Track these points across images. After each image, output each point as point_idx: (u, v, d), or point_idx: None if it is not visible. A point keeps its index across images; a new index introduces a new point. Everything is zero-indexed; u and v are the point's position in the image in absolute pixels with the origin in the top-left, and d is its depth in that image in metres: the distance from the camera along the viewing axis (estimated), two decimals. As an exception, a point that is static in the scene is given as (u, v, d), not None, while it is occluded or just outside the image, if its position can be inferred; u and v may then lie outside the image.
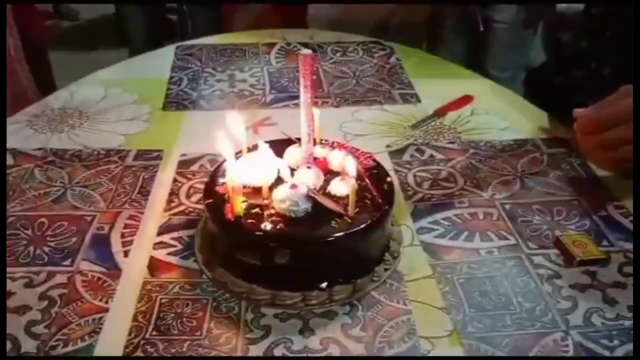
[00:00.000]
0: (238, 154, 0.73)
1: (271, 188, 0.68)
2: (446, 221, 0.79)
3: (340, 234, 0.64)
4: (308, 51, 0.67)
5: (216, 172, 0.74)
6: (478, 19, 1.50)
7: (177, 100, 1.06)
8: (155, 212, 0.80)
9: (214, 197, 0.70)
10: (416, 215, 0.80)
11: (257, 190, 0.69)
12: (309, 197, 0.66)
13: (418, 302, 0.68)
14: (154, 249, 0.74)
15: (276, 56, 1.22)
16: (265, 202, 0.68)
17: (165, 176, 0.87)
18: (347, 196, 0.68)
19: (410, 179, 0.87)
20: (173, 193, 0.84)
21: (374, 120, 1.02)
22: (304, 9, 1.56)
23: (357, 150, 0.77)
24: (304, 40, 1.29)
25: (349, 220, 0.66)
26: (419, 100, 1.08)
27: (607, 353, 0.61)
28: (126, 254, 0.73)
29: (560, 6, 1.63)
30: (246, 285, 0.67)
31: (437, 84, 1.13)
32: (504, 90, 1.12)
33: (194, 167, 0.89)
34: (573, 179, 0.87)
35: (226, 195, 0.69)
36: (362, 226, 0.66)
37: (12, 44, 1.25)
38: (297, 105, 1.04)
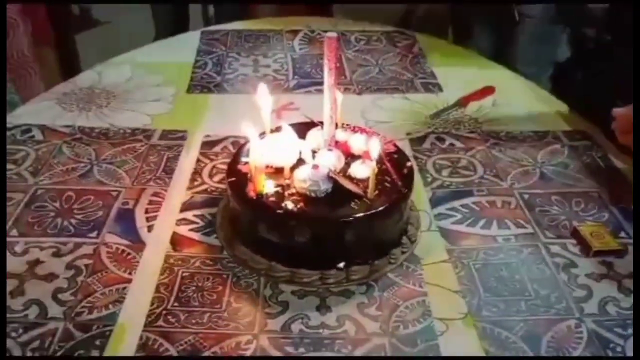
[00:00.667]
0: (262, 135, 0.75)
1: (293, 169, 0.70)
2: (464, 208, 0.80)
3: (360, 214, 0.66)
4: (333, 34, 0.68)
5: (239, 152, 0.75)
6: (514, 11, 1.50)
7: (201, 84, 1.08)
8: (178, 190, 0.82)
9: (237, 175, 0.71)
10: (434, 201, 0.81)
11: (279, 171, 0.71)
12: (329, 178, 0.68)
13: (434, 284, 0.69)
14: (177, 224, 0.76)
15: (300, 43, 1.23)
16: (287, 181, 0.69)
17: (189, 156, 0.89)
18: (367, 179, 0.69)
19: (430, 166, 0.88)
20: (196, 172, 0.85)
21: (396, 109, 1.03)
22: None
23: (379, 135, 0.78)
24: (328, 28, 1.29)
25: (368, 202, 0.67)
26: (441, 90, 1.08)
27: (620, 341, 0.62)
28: (150, 228, 0.75)
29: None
30: (265, 262, 0.69)
31: (460, 74, 1.13)
32: (526, 82, 1.12)
33: (217, 149, 0.91)
34: (593, 171, 0.88)
35: (249, 174, 0.71)
36: (380, 208, 0.67)
37: (25, 43, 1.26)
38: (319, 91, 1.05)
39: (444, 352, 0.61)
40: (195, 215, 0.78)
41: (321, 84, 1.08)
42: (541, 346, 0.61)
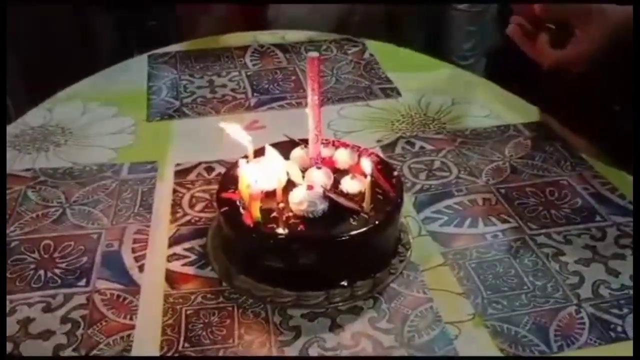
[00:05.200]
0: (245, 159, 0.74)
1: (284, 191, 0.69)
2: (448, 209, 0.82)
3: (362, 230, 0.66)
4: (315, 54, 0.68)
5: (225, 179, 0.74)
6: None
7: (160, 110, 1.05)
8: (161, 225, 0.79)
9: (229, 204, 0.70)
10: (419, 206, 0.83)
11: (269, 195, 0.70)
12: (325, 197, 0.68)
13: (437, 289, 0.70)
14: (168, 261, 0.74)
15: (251, 59, 1.22)
16: (281, 205, 0.68)
17: (164, 187, 0.86)
18: (359, 193, 0.70)
19: (406, 171, 0.89)
20: (175, 204, 0.83)
21: (361, 117, 1.04)
22: (264, 10, 1.56)
23: (360, 147, 0.79)
24: (276, 41, 1.29)
25: (366, 217, 0.68)
26: (399, 94, 1.10)
27: (619, 321, 0.65)
28: (141, 268, 0.72)
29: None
30: (269, 288, 0.68)
31: (414, 77, 1.16)
32: (478, 79, 1.16)
33: (191, 176, 0.89)
34: (558, 160, 0.92)
35: (241, 202, 0.69)
36: (380, 221, 0.68)
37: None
38: (282, 107, 1.07)
39: (463, 355, 0.62)
40: (185, 249, 0.76)
41: (282, 99, 1.09)
42: (550, 337, 0.64)
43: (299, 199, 0.67)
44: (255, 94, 1.10)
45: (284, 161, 0.71)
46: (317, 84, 0.69)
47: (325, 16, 1.54)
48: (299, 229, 0.66)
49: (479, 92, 1.11)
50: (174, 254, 0.75)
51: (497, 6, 1.76)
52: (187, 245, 0.76)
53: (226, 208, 0.70)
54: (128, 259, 0.74)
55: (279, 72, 1.17)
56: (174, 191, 0.86)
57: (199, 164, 0.91)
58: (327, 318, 0.66)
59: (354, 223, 0.67)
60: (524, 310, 0.67)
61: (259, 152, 0.74)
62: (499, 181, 0.87)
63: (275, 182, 0.69)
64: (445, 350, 0.62)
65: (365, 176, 0.69)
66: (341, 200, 0.68)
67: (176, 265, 0.73)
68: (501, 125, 1.00)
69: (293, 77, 1.16)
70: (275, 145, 0.74)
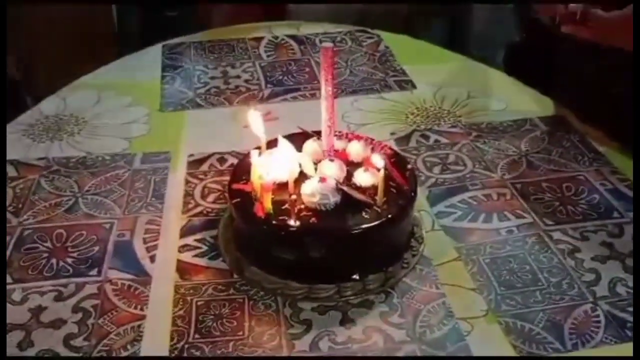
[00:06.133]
0: (258, 150, 0.73)
1: (296, 183, 0.69)
2: (462, 204, 0.81)
3: (374, 223, 0.65)
4: (329, 44, 0.67)
5: (237, 170, 0.74)
6: None
7: (174, 101, 1.05)
8: (173, 215, 0.79)
9: (240, 196, 0.69)
10: (432, 200, 0.82)
11: (281, 186, 0.69)
12: (338, 190, 0.67)
13: (449, 284, 0.69)
14: (180, 252, 0.74)
15: (265, 50, 1.22)
16: (293, 197, 0.68)
17: (177, 178, 0.86)
18: (372, 186, 0.69)
19: (420, 165, 0.88)
20: (188, 194, 0.83)
21: (374, 109, 1.03)
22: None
23: (373, 140, 0.78)
24: (291, 32, 1.28)
25: (379, 210, 0.67)
26: (414, 87, 1.09)
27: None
28: (152, 259, 0.72)
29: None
30: (280, 281, 0.68)
31: (429, 69, 1.14)
32: (495, 72, 1.14)
33: (204, 167, 0.88)
34: (575, 155, 0.90)
35: (252, 193, 0.69)
36: (393, 214, 0.67)
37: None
38: (295, 98, 1.06)
39: (475, 352, 0.61)
40: (196, 240, 0.75)
41: (295, 90, 1.08)
42: (564, 334, 0.63)
43: (311, 191, 0.66)
44: (268, 85, 1.09)
45: (297, 153, 0.71)
46: (330, 75, 0.68)
47: (345, 8, 1.53)
48: (310, 221, 0.65)
49: (496, 85, 1.09)
50: (186, 245, 0.75)
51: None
52: (198, 236, 0.76)
53: (238, 199, 0.69)
54: (140, 249, 0.74)
55: (293, 64, 1.16)
56: (187, 182, 0.85)
57: (212, 154, 0.91)
58: (338, 312, 0.66)
59: (366, 216, 0.66)
60: (538, 307, 0.66)
61: (272, 144, 0.74)
62: (514, 176, 0.86)
63: (287, 174, 0.68)
64: (457, 346, 0.62)
65: (379, 169, 0.68)
66: (354, 193, 0.67)
67: (187, 256, 0.73)
68: (518, 119, 0.99)
69: (307, 69, 1.15)
70: (288, 137, 0.74)
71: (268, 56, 1.19)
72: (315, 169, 0.71)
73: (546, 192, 0.83)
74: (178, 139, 0.95)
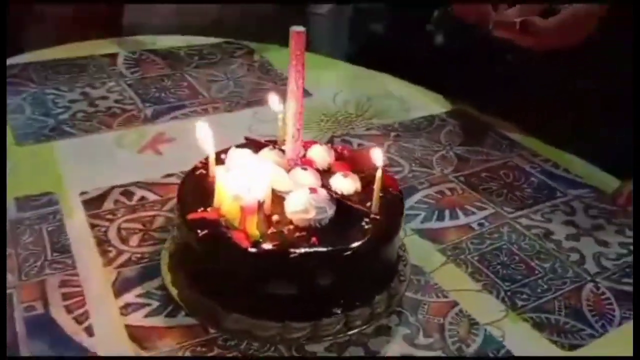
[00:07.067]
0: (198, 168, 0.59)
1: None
2: (421, 204, 0.75)
3: (379, 234, 0.55)
4: (300, 28, 0.56)
5: (184, 197, 0.58)
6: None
7: (31, 131, 0.82)
8: (93, 270, 0.60)
9: (205, 226, 0.54)
10: (389, 205, 0.74)
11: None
12: (333, 201, 0.56)
13: (455, 290, 0.62)
14: (123, 314, 0.55)
15: (127, 67, 1.03)
16: (275, 217, 0.55)
17: (76, 223, 0.66)
18: (355, 193, 0.59)
19: (358, 171, 0.80)
20: (101, 241, 0.64)
21: (279, 119, 0.92)
22: (118, 13, 1.35)
23: (330, 144, 0.68)
24: (147, 47, 1.11)
25: (378, 218, 0.57)
26: (309, 94, 1.00)
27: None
28: (89, 331, 0.53)
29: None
30: (275, 324, 0.54)
31: (314, 76, 1.06)
32: (377, 74, 1.11)
33: (108, 205, 0.69)
34: (494, 144, 0.90)
35: (222, 220, 0.54)
36: (391, 222, 0.58)
37: None
38: (185, 115, 0.91)
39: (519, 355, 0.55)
40: (138, 296, 0.57)
41: (181, 107, 0.93)
42: (588, 318, 0.60)
43: (303, 206, 0.54)
44: (147, 104, 0.92)
45: (271, 164, 0.58)
46: (301, 64, 0.57)
47: (185, 21, 1.38)
48: (311, 242, 0.53)
49: (388, 86, 1.06)
50: (127, 305, 0.56)
51: (352, 8, 1.75)
52: (139, 290, 0.58)
53: (206, 231, 0.54)
54: (66, 322, 0.53)
55: (166, 79, 1.00)
56: (92, 226, 0.66)
57: (111, 188, 0.72)
58: (358, 346, 0.54)
59: (368, 227, 0.56)
60: (549, 295, 0.62)
61: (221, 157, 0.60)
62: (452, 170, 0.83)
63: (266, 190, 0.55)
64: (502, 353, 0.54)
65: (364, 172, 0.59)
66: (350, 202, 0.57)
67: (137, 318, 0.55)
68: (426, 116, 0.96)
69: (184, 84, 1.00)
70: (240, 148, 0.61)
71: (132, 73, 1.01)
72: (287, 182, 0.59)
73: (489, 181, 0.81)
74: (56, 175, 0.74)
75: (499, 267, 0.65)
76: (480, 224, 0.72)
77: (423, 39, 1.27)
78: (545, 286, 0.63)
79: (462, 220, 0.72)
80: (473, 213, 0.74)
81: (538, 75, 0.97)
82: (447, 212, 0.73)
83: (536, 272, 0.65)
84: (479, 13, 0.77)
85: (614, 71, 0.89)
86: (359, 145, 0.87)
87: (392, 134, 0.91)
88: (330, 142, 0.86)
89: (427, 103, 1.01)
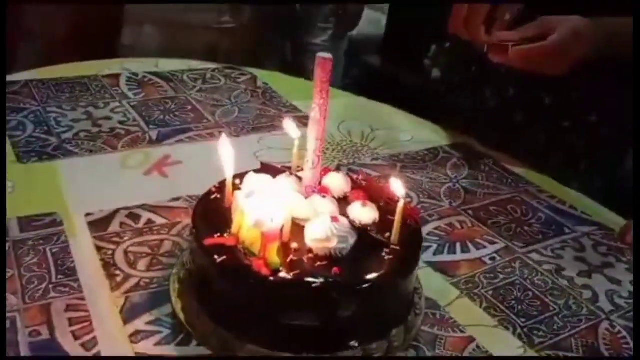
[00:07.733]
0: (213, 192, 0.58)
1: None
2: (432, 236, 0.74)
3: (401, 266, 0.54)
4: (328, 55, 0.55)
5: (200, 221, 0.56)
6: None
7: (33, 150, 0.80)
8: (101, 294, 0.58)
9: (223, 252, 0.52)
10: (400, 236, 0.73)
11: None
12: (355, 229, 0.54)
13: (472, 325, 0.61)
14: (133, 342, 0.53)
15: (129, 88, 1.02)
16: (294, 245, 0.54)
17: (81, 245, 0.64)
18: (374, 223, 0.58)
19: (366, 201, 0.79)
20: (108, 264, 0.62)
21: (287, 146, 0.89)
22: (116, 34, 1.34)
23: (346, 172, 0.67)
24: (149, 69, 1.10)
25: (398, 248, 0.56)
26: (314, 122, 1.00)
27: (651, 329, 0.63)
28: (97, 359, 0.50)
29: (364, 29, 1.73)
30: (293, 356, 0.52)
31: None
32: (382, 105, 1.12)
33: (114, 228, 0.67)
34: (499, 178, 0.90)
35: (240, 247, 0.53)
36: (411, 253, 0.57)
37: None
38: (191, 139, 0.89)
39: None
40: (148, 323, 0.55)
41: (187, 130, 0.92)
42: (606, 356, 0.59)
43: (325, 235, 0.53)
44: (151, 126, 0.91)
45: (292, 191, 0.57)
46: (326, 92, 0.57)
47: (187, 46, 1.37)
48: (332, 272, 0.51)
49: (391, 118, 1.06)
50: (137, 332, 0.54)
51: (347, 43, 1.77)
52: (148, 317, 0.56)
53: (224, 257, 0.52)
54: (72, 347, 0.51)
55: (170, 102, 0.99)
56: (98, 248, 0.64)
57: (117, 211, 0.70)
58: (378, 381, 0.52)
59: (388, 258, 0.55)
60: (566, 332, 0.61)
61: (239, 182, 0.59)
62: (460, 203, 0.82)
63: (286, 217, 0.54)
64: (524, 393, 0.53)
65: (382, 203, 0.58)
66: (373, 233, 0.56)
67: (147, 346, 0.53)
68: (430, 148, 0.96)
69: (189, 107, 0.99)
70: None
71: (135, 94, 1.00)
72: (303, 210, 0.57)
73: (498, 215, 0.80)
74: (59, 195, 0.72)
75: (513, 302, 0.64)
76: (492, 258, 0.71)
77: (419, 72, 1.28)
78: (561, 323, 0.62)
79: (474, 253, 0.72)
80: (484, 247, 0.73)
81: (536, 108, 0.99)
82: (458, 245, 0.73)
83: (551, 308, 0.64)
84: (470, 34, 0.78)
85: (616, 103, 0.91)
86: (368, 175, 0.86)
87: (399, 164, 0.90)
88: (337, 171, 0.86)
89: (429, 134, 1.01)
